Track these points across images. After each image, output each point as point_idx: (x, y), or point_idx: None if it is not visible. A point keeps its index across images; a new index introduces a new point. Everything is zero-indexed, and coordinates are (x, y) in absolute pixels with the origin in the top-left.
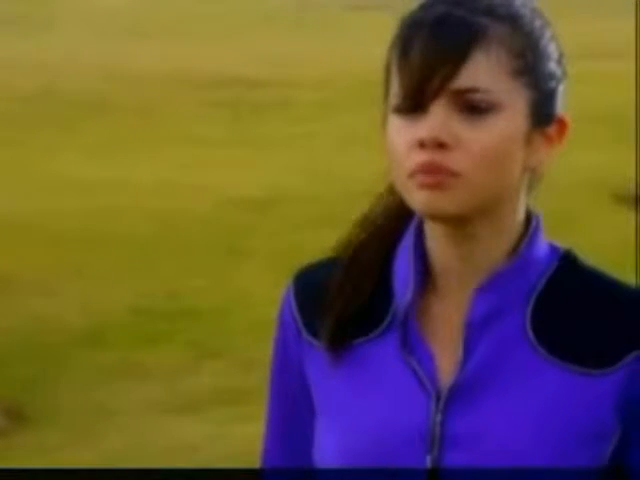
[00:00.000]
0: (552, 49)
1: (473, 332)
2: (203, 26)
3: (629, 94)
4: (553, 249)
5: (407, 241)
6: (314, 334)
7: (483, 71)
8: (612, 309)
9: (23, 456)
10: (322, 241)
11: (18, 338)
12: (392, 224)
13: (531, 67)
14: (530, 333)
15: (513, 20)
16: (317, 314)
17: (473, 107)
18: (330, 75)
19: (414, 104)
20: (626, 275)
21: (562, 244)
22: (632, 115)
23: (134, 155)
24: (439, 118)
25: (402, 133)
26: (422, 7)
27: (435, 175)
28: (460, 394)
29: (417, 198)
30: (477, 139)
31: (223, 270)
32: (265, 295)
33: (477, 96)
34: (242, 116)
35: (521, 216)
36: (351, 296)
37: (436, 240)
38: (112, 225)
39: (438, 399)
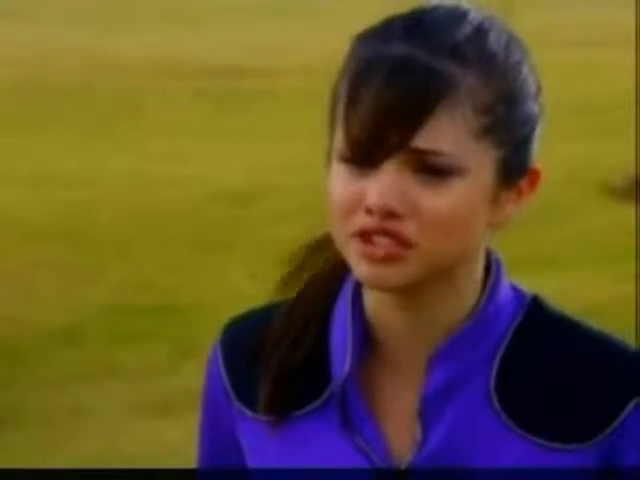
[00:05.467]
0: (529, 86)
1: (431, 406)
2: (186, 14)
3: (625, 83)
4: (517, 296)
5: (344, 299)
6: (246, 401)
7: (446, 131)
8: (584, 368)
9: None
10: (307, 234)
11: None
12: (332, 272)
13: (502, 120)
14: (495, 402)
15: (484, 64)
16: (249, 377)
17: (431, 169)
18: (316, 63)
19: (362, 159)
20: (619, 267)
21: (527, 287)
22: (626, 105)
23: (114, 146)
24: (390, 180)
25: (346, 186)
26: (379, 37)
27: (382, 245)
28: (420, 478)
29: (359, 269)
30: (435, 207)
31: (204, 265)
32: (247, 291)
33: (436, 160)
34: (225, 106)
35: (480, 269)
36: (288, 354)
37: (379, 303)
38: (90, 218)
39: None
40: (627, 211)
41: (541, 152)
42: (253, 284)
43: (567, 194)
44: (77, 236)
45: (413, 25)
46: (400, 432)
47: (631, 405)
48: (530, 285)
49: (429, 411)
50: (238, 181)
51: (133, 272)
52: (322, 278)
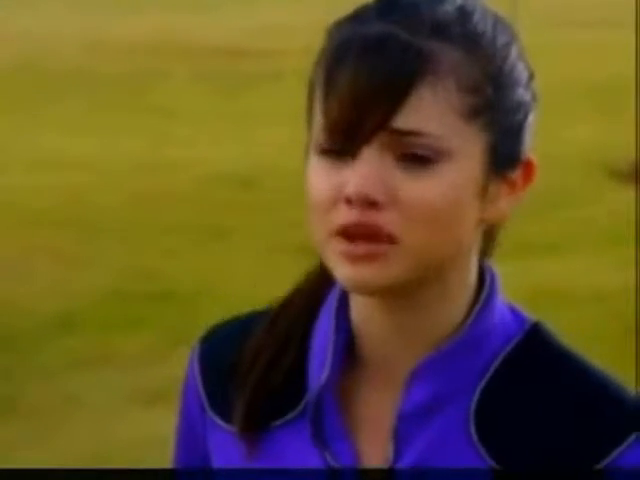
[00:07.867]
0: (519, 71)
1: (405, 427)
2: None
3: (629, 65)
4: (517, 319)
5: (329, 304)
6: (220, 413)
7: (429, 111)
8: (575, 409)
9: None
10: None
11: None
12: (315, 287)
13: (490, 103)
14: (473, 432)
15: (469, 42)
16: (225, 390)
17: (414, 155)
18: (319, 44)
19: (340, 148)
20: (622, 250)
21: (530, 315)
22: (627, 87)
23: (115, 130)
24: (371, 167)
25: (325, 179)
26: (354, 19)
27: (363, 242)
28: None
29: (340, 269)
30: (418, 196)
31: (206, 251)
32: (250, 277)
33: (420, 141)
34: (228, 88)
35: (473, 276)
36: (265, 376)
37: (364, 307)
38: (89, 203)
39: None
40: (630, 194)
41: (545, 135)
42: (255, 270)
43: (571, 177)
44: (76, 221)
45: (391, 5)
46: (373, 451)
47: (625, 443)
48: (533, 269)
49: (403, 432)
50: (241, 163)
51: (132, 258)
52: (303, 293)
